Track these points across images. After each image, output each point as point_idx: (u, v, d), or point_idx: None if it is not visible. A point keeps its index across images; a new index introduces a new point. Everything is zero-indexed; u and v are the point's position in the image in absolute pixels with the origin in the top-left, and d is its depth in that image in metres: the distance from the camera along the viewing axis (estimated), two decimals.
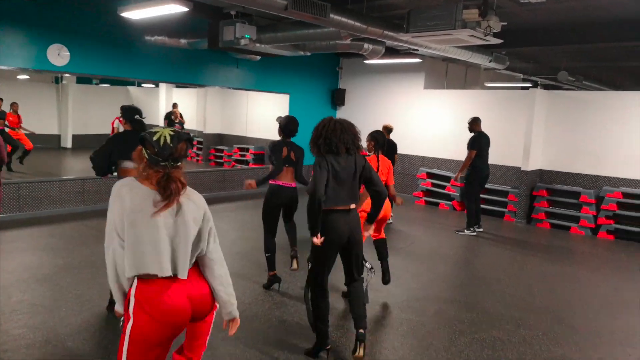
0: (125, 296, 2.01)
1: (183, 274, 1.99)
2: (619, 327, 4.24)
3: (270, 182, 4.54)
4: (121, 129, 4.02)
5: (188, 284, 2.03)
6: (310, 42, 6.83)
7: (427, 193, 9.78)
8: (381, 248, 4.67)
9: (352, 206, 3.34)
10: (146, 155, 1.97)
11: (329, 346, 3.34)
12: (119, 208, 1.93)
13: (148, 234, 1.93)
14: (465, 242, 7.00)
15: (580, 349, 3.79)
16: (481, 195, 7.87)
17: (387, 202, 4.13)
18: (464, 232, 7.34)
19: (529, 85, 12.91)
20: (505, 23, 5.19)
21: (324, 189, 3.15)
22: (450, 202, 9.36)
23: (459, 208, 9.19)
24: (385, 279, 4.65)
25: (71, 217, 6.88)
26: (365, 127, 10.62)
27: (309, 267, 3.46)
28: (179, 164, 2.00)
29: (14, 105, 8.46)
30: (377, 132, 4.86)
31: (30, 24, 6.55)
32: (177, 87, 12.42)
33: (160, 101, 12.78)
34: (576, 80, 11.67)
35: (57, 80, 12.79)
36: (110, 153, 3.76)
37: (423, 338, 3.80)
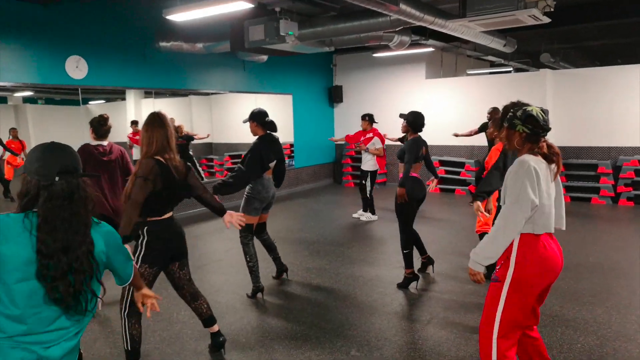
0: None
1: (552, 229, 2.43)
2: None
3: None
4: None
5: (555, 239, 2.44)
6: (342, 36, 6.70)
7: (441, 181, 9.92)
8: None
9: None
10: (527, 130, 2.37)
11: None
12: (532, 180, 2.28)
13: (547, 199, 2.35)
14: None
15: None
16: None
17: None
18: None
19: (510, 69, 13.45)
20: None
21: None
22: (466, 187, 9.54)
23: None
24: None
25: None
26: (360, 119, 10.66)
27: None
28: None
29: (12, 131, 7.67)
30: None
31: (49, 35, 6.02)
32: (154, 96, 11.79)
33: (128, 114, 12.00)
34: (555, 62, 12.27)
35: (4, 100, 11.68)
36: (262, 159, 4.19)
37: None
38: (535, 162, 2.34)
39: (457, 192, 9.65)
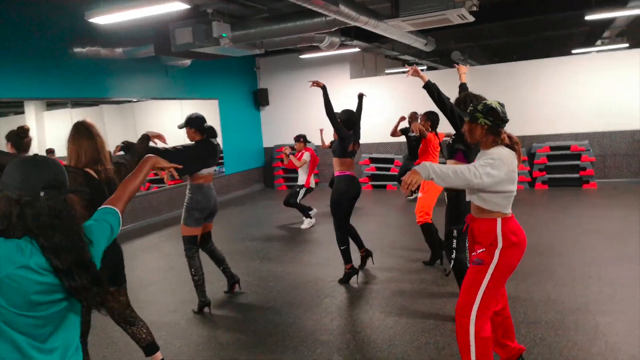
0: None
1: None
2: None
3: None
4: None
5: None
6: (274, 38, 6.59)
7: (372, 178, 10.16)
8: None
9: None
10: (489, 123, 2.50)
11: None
12: (506, 169, 2.43)
13: (513, 186, 2.52)
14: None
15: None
16: None
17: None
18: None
19: (424, 67, 14.12)
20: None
21: None
22: (397, 182, 9.84)
23: None
24: None
25: None
26: (292, 123, 10.72)
27: None
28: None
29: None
30: (431, 112, 5.31)
31: None
32: (71, 107, 10.89)
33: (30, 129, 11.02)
34: (464, 59, 13.08)
35: None
36: (196, 160, 4.05)
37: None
38: (507, 151, 2.50)
39: (389, 187, 9.93)
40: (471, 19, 5.87)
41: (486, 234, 2.52)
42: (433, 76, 10.14)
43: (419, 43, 8.16)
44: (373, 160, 10.13)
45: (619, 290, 3.98)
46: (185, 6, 4.58)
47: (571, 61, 8.94)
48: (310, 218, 7.21)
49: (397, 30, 6.63)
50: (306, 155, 7.26)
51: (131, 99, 8.11)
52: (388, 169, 9.94)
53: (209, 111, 9.76)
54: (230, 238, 6.77)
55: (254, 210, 8.94)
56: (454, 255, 3.66)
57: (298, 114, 10.92)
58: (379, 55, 11.89)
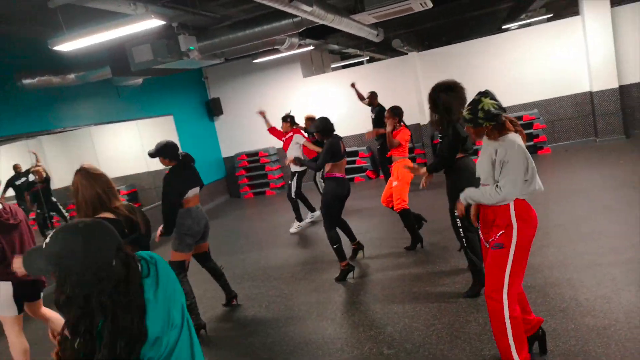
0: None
1: None
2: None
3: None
4: None
5: None
6: (238, 45, 6.45)
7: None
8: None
9: None
10: (492, 123, 2.61)
11: None
12: (523, 156, 2.58)
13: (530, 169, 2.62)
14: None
15: None
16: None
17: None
18: None
19: (366, 59, 14.40)
20: None
21: None
22: (364, 174, 10.00)
23: (373, 176, 9.93)
24: None
25: None
26: (250, 129, 10.59)
27: None
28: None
29: None
30: (395, 107, 5.50)
31: None
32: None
33: None
34: (403, 46, 13.46)
35: None
36: (180, 192, 4.06)
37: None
38: (513, 137, 2.63)
39: (357, 179, 10.06)
40: (430, 5, 6.06)
41: (502, 218, 2.65)
42: (374, 67, 10.40)
43: (372, 35, 8.30)
44: None
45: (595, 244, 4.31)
46: (160, 22, 4.38)
47: (512, 36, 9.45)
48: (301, 222, 7.09)
49: (355, 24, 6.73)
50: (299, 138, 7.00)
51: (87, 125, 7.64)
52: (354, 162, 10.06)
53: (165, 128, 9.44)
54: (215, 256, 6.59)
55: (229, 221, 8.76)
56: (462, 234, 3.84)
57: (254, 119, 10.75)
58: (324, 51, 11.99)
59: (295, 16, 5.64)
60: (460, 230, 3.84)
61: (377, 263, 5.07)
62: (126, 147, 8.68)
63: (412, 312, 3.77)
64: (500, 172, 2.61)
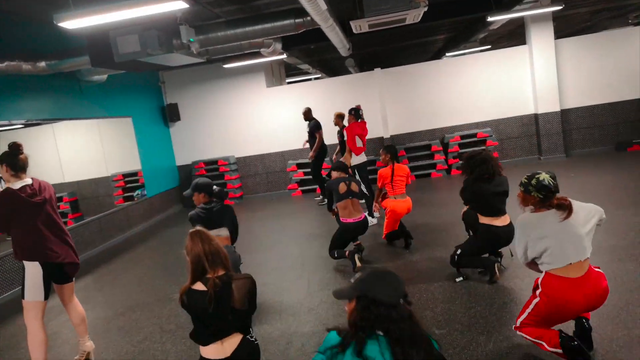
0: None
1: (572, 261, 2.74)
2: None
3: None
4: None
5: (590, 275, 2.75)
6: (235, 42, 6.32)
7: (300, 183, 10.27)
8: None
9: None
10: (541, 196, 2.75)
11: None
12: (525, 236, 2.84)
13: (555, 239, 2.76)
14: None
15: None
16: None
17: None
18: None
19: (319, 75, 14.69)
20: None
21: None
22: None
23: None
24: None
25: None
26: (208, 136, 10.43)
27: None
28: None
29: None
30: (390, 146, 5.68)
31: None
32: None
33: None
34: (354, 66, 13.95)
35: None
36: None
37: None
38: (540, 216, 2.78)
39: (319, 190, 10.11)
40: (418, 19, 6.41)
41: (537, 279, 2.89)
42: (340, 81, 10.64)
43: (344, 48, 8.54)
44: (300, 166, 10.24)
45: None
46: (185, 5, 4.22)
47: (469, 60, 10.18)
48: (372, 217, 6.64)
49: (339, 33, 6.92)
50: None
51: (48, 120, 7.01)
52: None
53: (125, 131, 8.93)
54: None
55: (182, 231, 8.30)
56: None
57: (213, 127, 10.56)
58: (281, 65, 12.08)
59: (297, 17, 5.71)
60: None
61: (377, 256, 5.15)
62: (83, 146, 8.04)
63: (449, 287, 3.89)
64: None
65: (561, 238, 2.68)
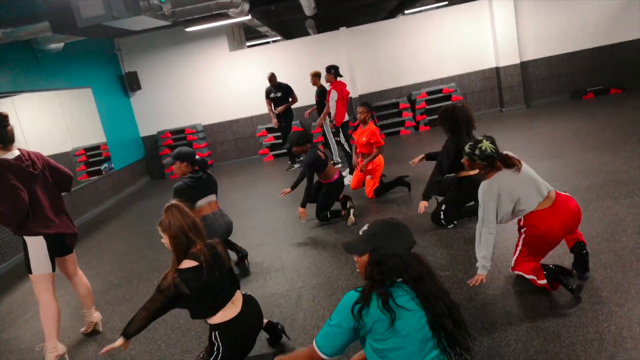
0: None
1: (544, 196, 3.11)
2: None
3: None
4: None
5: (560, 200, 3.10)
6: (196, 4, 6.09)
7: (271, 148, 10.21)
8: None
9: None
10: (485, 164, 3.07)
11: None
12: (495, 196, 3.02)
13: (521, 190, 3.06)
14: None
15: None
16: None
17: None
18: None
19: (278, 38, 14.41)
20: None
21: None
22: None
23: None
24: None
25: None
26: (171, 104, 10.18)
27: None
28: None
29: None
30: (365, 103, 5.94)
31: None
32: None
33: None
34: (312, 27, 13.75)
35: None
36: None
37: None
38: (496, 179, 3.04)
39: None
40: None
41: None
42: (304, 42, 10.47)
43: (310, 8, 8.41)
44: (269, 130, 10.15)
45: None
46: None
47: (431, 16, 10.20)
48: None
49: None
50: (333, 94, 7.21)
51: (3, 93, 6.57)
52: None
53: (85, 103, 8.52)
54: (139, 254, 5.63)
55: (151, 204, 8.00)
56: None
57: (176, 94, 10.25)
58: (241, 28, 11.75)
59: None
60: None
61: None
62: (46, 121, 7.61)
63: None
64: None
65: (524, 187, 3.02)
